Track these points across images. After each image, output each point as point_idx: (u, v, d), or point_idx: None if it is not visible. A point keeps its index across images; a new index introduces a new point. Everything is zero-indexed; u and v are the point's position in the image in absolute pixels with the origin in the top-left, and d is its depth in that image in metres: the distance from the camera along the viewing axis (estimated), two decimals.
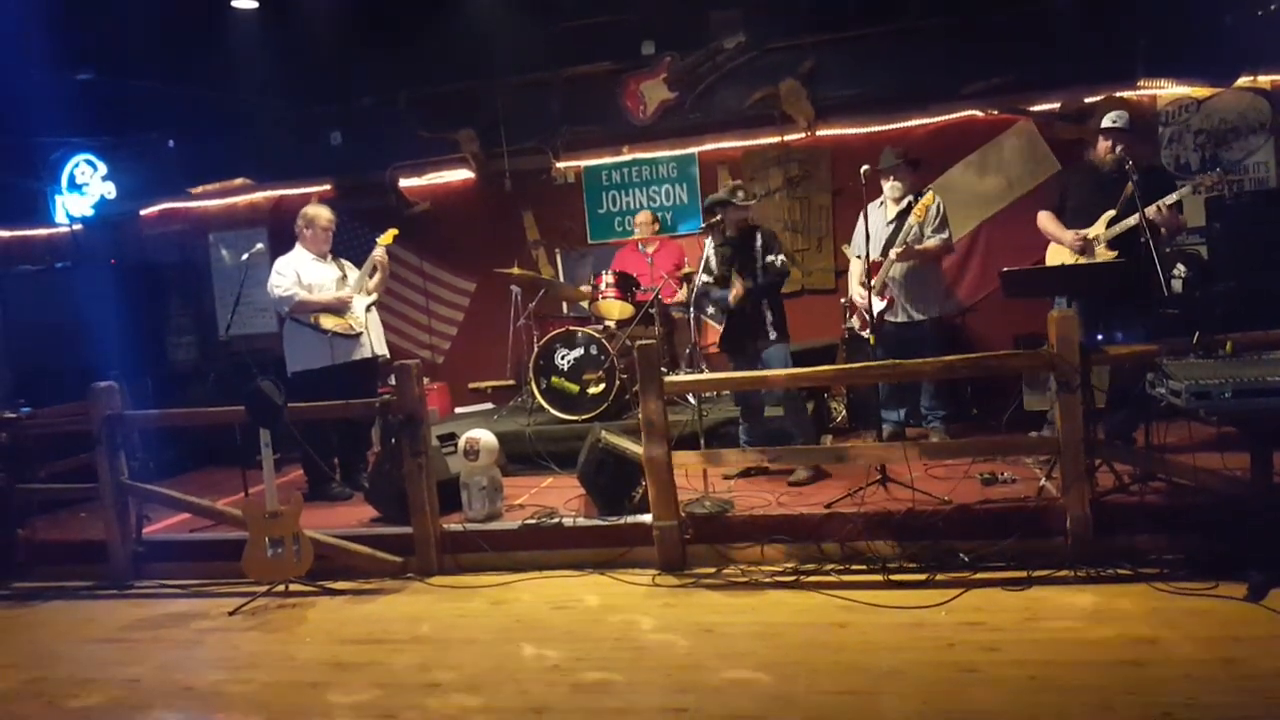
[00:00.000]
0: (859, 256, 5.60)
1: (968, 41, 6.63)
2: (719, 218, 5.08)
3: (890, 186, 5.40)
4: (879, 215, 5.46)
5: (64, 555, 5.19)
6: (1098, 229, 4.81)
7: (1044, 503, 4.15)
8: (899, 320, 5.38)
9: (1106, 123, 4.91)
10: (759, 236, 5.07)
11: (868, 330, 5.35)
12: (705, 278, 5.22)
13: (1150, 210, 4.54)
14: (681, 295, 6.72)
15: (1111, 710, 2.77)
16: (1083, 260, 4.81)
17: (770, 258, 5.00)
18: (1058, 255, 5.00)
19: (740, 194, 5.09)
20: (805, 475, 4.97)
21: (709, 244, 5.27)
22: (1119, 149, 4.70)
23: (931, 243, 5.30)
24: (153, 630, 4.25)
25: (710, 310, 5.41)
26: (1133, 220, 4.62)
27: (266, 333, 7.83)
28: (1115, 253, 4.73)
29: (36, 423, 5.47)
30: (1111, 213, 4.77)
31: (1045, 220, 5.12)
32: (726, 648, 3.46)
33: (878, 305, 5.27)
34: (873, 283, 5.29)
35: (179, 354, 8.28)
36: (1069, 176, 5.21)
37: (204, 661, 3.81)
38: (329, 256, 5.69)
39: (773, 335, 5.03)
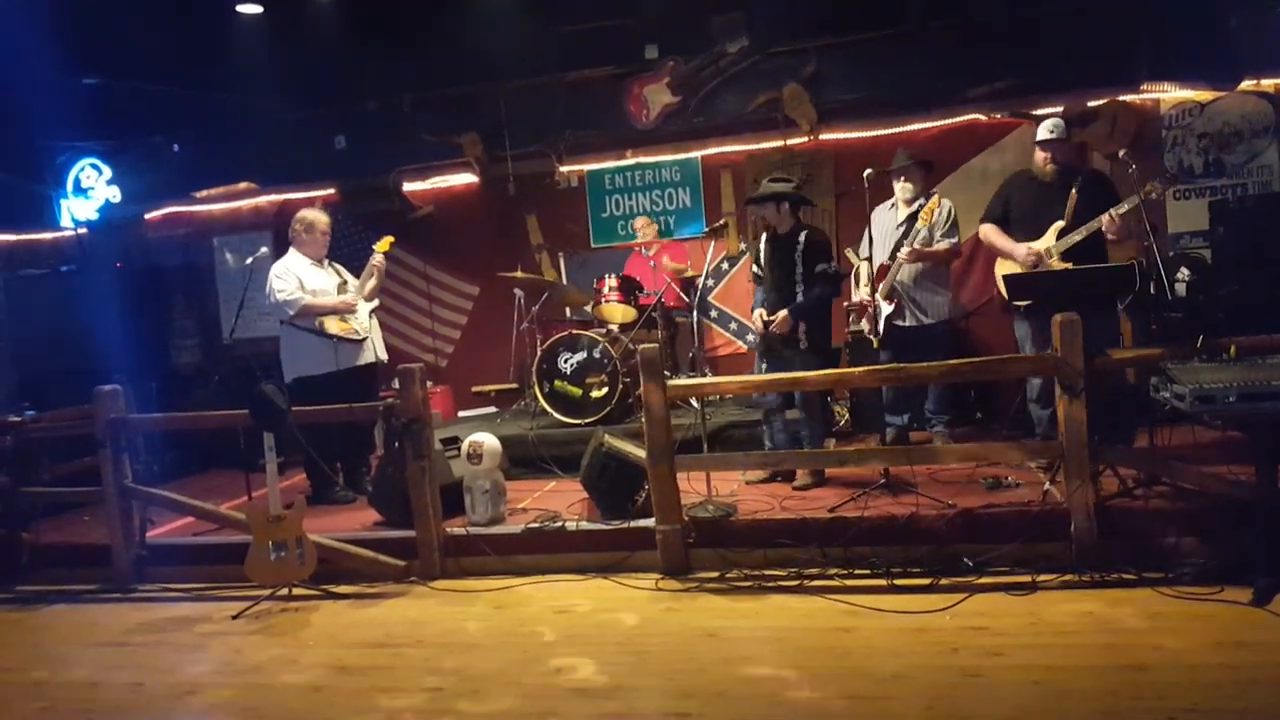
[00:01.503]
0: (867, 259, 5.58)
1: (970, 45, 6.64)
2: (723, 223, 5.08)
3: (901, 188, 5.36)
4: (889, 217, 5.43)
5: (67, 558, 5.19)
6: (1048, 241, 4.79)
7: (1048, 507, 4.14)
8: (906, 324, 5.33)
9: (1043, 134, 4.90)
10: (801, 241, 4.93)
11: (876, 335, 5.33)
12: (756, 270, 5.23)
13: (1105, 218, 4.56)
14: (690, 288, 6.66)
15: (1116, 715, 2.76)
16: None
17: (821, 266, 4.86)
18: (1007, 269, 4.95)
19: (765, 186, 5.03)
20: (810, 480, 4.96)
21: (763, 236, 5.21)
22: (1120, 153, 4.70)
23: (940, 246, 5.26)
24: (156, 634, 4.25)
25: (713, 314, 5.40)
26: (1086, 231, 4.62)
27: (270, 336, 7.75)
28: (1069, 264, 4.71)
29: (41, 426, 5.48)
30: (1060, 224, 4.77)
31: (990, 233, 5.05)
32: (730, 652, 3.45)
33: (886, 309, 5.25)
34: (880, 286, 5.27)
35: (183, 357, 8.30)
36: (1009, 188, 5.13)
37: (207, 665, 3.81)
38: (325, 261, 5.69)
39: (803, 344, 4.90)
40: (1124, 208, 4.57)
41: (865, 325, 5.56)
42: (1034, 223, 4.87)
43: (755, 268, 5.23)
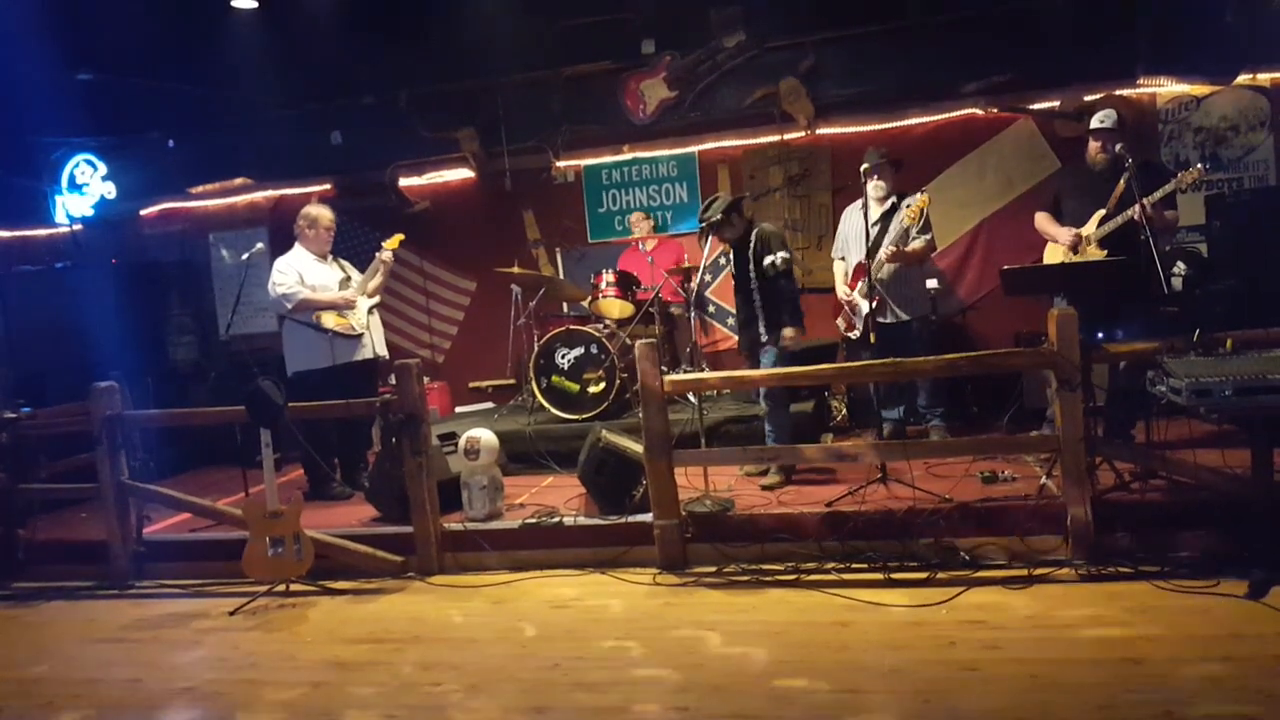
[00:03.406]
0: (841, 259, 5.62)
1: (967, 40, 6.62)
2: (717, 218, 5.08)
3: (874, 186, 5.37)
4: (859, 217, 5.45)
5: (65, 555, 5.19)
6: (1089, 228, 4.83)
7: (1045, 501, 4.14)
8: (887, 321, 5.36)
9: (1095, 123, 4.94)
10: (754, 239, 5.02)
11: (854, 332, 5.37)
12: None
13: (1136, 208, 4.56)
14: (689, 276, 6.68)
15: (1113, 709, 2.77)
16: (1076, 259, 4.82)
17: (769, 259, 4.93)
18: (1054, 255, 5.02)
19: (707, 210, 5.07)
20: (778, 479, 4.95)
21: (730, 251, 5.27)
22: (1117, 147, 4.70)
23: (917, 244, 5.30)
24: (153, 630, 4.25)
25: (710, 309, 5.43)
26: (1121, 219, 4.63)
27: (267, 332, 7.84)
28: (1105, 252, 4.73)
29: (37, 423, 5.47)
30: (1102, 212, 4.79)
31: (1042, 220, 5.15)
32: (727, 647, 3.46)
33: (866, 307, 5.26)
34: (859, 285, 5.28)
35: (179, 354, 8.27)
36: (1063, 177, 5.25)
37: (204, 662, 3.81)
38: (329, 257, 5.69)
39: (765, 337, 4.99)
40: (1156, 196, 4.58)
41: (842, 323, 5.59)
42: (1082, 211, 4.92)
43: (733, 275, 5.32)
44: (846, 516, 4.25)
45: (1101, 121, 4.90)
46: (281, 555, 4.38)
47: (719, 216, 4.98)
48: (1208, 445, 4.16)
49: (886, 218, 5.36)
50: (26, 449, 5.41)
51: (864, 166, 5.04)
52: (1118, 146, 4.69)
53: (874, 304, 5.09)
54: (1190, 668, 2.96)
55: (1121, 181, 4.69)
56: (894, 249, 5.19)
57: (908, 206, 5.20)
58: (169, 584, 4.88)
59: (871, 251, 5.18)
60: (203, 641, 4.04)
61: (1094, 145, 4.94)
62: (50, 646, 4.16)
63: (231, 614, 4.30)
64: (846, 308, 5.50)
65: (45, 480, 5.45)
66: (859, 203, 5.40)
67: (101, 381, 5.01)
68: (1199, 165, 4.76)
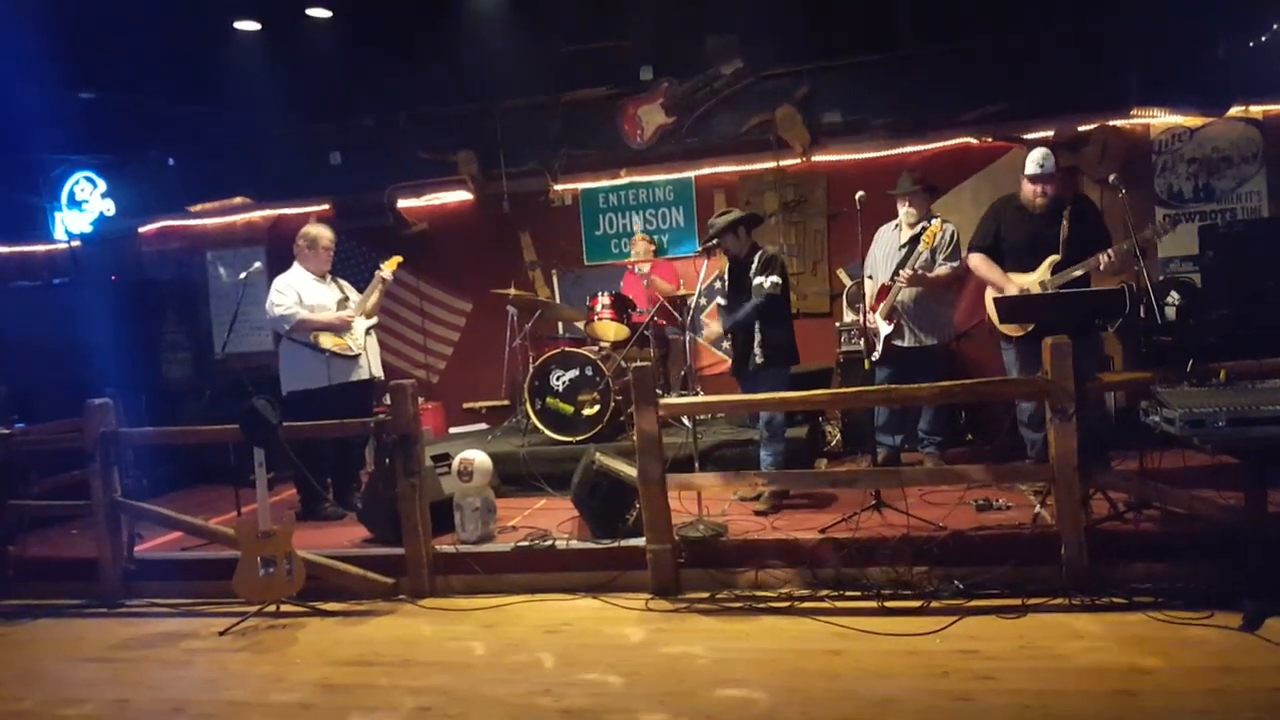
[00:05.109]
0: (870, 278, 5.60)
1: (963, 69, 6.71)
2: (716, 242, 5.12)
3: (906, 211, 5.38)
4: (893, 238, 5.45)
5: (54, 572, 5.15)
6: (1042, 274, 4.80)
7: (1039, 530, 4.14)
8: (906, 345, 5.33)
9: (1032, 168, 4.81)
10: (756, 260, 5.05)
11: (876, 353, 5.35)
12: (720, 300, 5.37)
13: (1102, 258, 4.57)
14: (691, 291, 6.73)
15: None
16: None
17: (758, 280, 4.96)
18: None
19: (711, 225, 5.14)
20: (771, 504, 4.94)
21: (726, 267, 5.30)
22: (1111, 177, 4.72)
23: (942, 270, 5.27)
24: (142, 650, 4.21)
25: (704, 333, 5.47)
26: (1080, 270, 4.64)
27: (262, 351, 7.84)
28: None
29: (30, 438, 5.46)
30: (1055, 257, 4.76)
31: (980, 263, 5.01)
32: (720, 674, 3.43)
33: (885, 329, 5.27)
34: (880, 306, 5.29)
35: (175, 371, 8.27)
36: (999, 218, 5.06)
37: (193, 682, 3.78)
38: (328, 277, 5.70)
39: (759, 360, 4.99)
40: (1122, 247, 4.58)
41: (864, 345, 5.58)
42: (1029, 255, 4.86)
43: (720, 299, 5.33)
44: (840, 543, 4.24)
45: (1041, 165, 4.78)
46: (272, 575, 4.35)
47: (722, 226, 5.01)
48: (1202, 476, 4.16)
49: (914, 241, 5.30)
50: (18, 465, 5.39)
51: (896, 191, 5.05)
52: (1111, 177, 4.72)
53: (891, 327, 5.12)
54: (1183, 700, 2.95)
55: (1064, 223, 4.67)
56: (910, 272, 5.17)
57: (924, 231, 5.21)
58: (159, 603, 4.84)
59: (895, 273, 5.21)
60: (192, 662, 4.01)
61: (1031, 189, 4.82)
62: (38, 665, 4.12)
63: (221, 634, 4.27)
64: (869, 328, 5.49)
65: (37, 496, 5.43)
66: (893, 223, 5.43)
67: (96, 398, 5.00)
68: (1162, 217, 4.77)
